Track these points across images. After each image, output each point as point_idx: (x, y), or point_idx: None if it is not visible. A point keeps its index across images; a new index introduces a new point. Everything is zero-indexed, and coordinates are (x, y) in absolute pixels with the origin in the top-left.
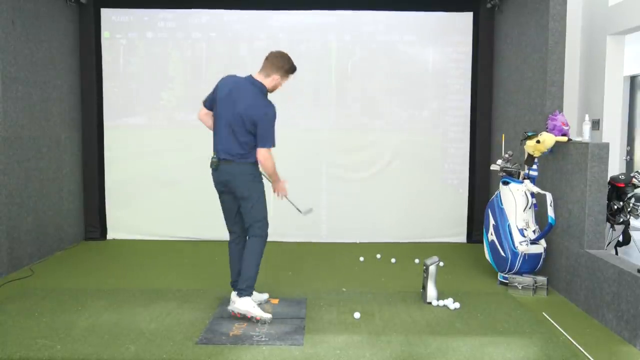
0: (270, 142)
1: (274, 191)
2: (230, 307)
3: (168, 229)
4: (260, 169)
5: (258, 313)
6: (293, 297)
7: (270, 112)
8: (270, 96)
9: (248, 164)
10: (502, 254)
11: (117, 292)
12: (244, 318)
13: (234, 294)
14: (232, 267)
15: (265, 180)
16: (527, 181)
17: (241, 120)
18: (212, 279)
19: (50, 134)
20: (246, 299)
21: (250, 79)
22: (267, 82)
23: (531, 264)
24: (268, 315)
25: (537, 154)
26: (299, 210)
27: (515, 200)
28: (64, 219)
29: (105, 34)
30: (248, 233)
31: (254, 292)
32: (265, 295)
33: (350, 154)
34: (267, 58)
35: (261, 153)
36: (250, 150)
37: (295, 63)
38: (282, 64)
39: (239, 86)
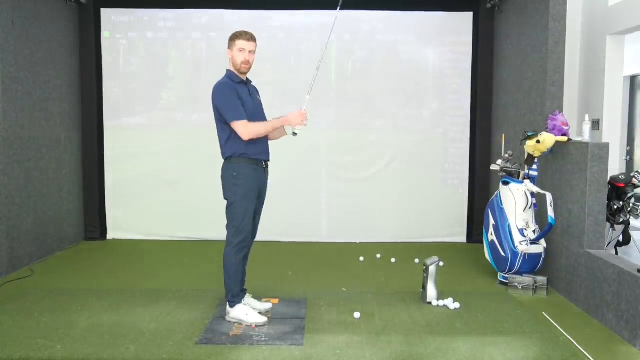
0: (234, 115)
1: (293, 126)
2: (227, 318)
3: (168, 229)
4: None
5: (252, 320)
6: (293, 297)
7: (220, 85)
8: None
9: (226, 162)
10: (502, 254)
11: (117, 292)
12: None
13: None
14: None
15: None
16: (527, 181)
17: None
18: (212, 279)
19: (50, 134)
20: (237, 307)
21: None
22: (230, 63)
23: (531, 264)
24: (263, 319)
25: (537, 154)
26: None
27: (515, 200)
28: (64, 219)
29: (105, 34)
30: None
31: (255, 301)
32: (269, 305)
33: (350, 154)
34: None
35: (237, 130)
36: (225, 144)
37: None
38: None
39: None
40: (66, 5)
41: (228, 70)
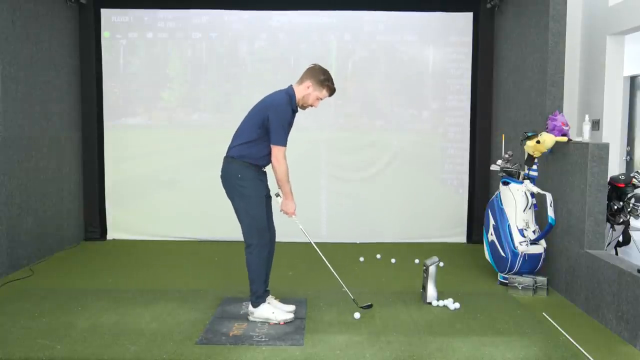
0: (280, 139)
1: (285, 209)
2: (250, 318)
3: (168, 229)
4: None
5: (280, 318)
6: (293, 297)
7: (284, 105)
8: None
9: (231, 162)
10: (502, 254)
11: (117, 292)
12: (245, 318)
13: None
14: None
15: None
16: (527, 181)
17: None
18: (212, 279)
19: (50, 134)
20: (262, 306)
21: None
22: (299, 88)
23: (531, 264)
24: (290, 316)
25: (537, 155)
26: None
27: (515, 200)
28: (64, 219)
29: (105, 34)
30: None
31: (279, 303)
32: (292, 307)
33: (350, 154)
34: (307, 68)
35: (275, 152)
36: (242, 145)
37: (334, 84)
38: (318, 73)
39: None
40: (66, 5)
41: (291, 92)
